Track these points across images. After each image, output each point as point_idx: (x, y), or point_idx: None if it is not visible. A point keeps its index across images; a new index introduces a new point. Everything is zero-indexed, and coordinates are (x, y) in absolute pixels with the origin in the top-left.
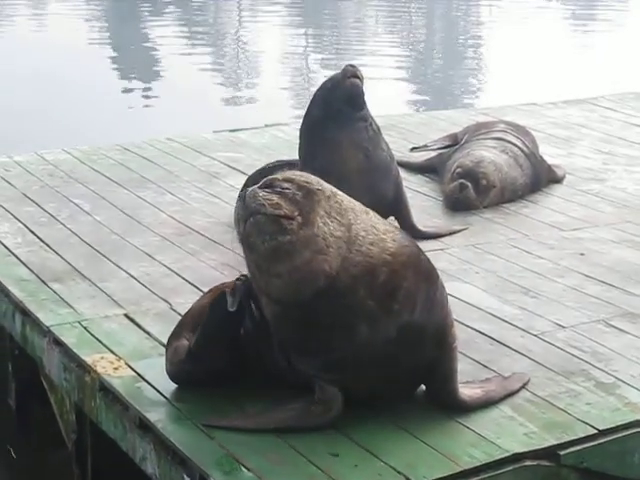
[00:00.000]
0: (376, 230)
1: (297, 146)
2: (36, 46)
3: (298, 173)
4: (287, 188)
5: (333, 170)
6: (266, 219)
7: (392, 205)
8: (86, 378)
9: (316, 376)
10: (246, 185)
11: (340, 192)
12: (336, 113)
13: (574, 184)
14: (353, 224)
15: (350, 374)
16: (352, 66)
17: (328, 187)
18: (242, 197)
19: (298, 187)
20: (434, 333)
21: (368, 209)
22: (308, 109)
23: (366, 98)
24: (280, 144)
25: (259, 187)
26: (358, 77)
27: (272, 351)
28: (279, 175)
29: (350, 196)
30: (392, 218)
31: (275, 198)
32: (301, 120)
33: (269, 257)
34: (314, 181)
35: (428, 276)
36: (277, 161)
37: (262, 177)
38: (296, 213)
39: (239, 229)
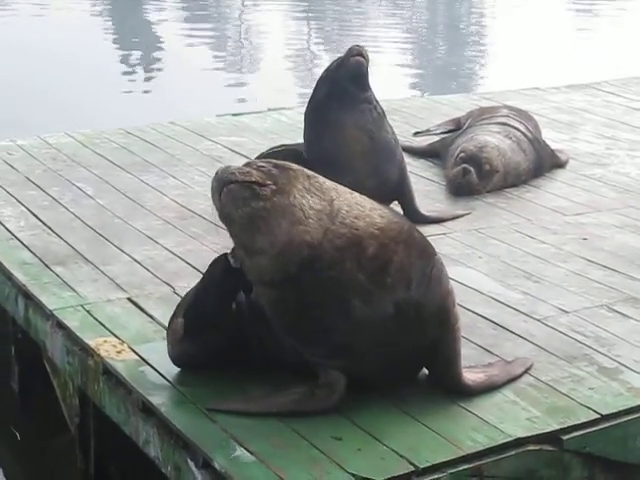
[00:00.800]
0: (361, 207)
1: (300, 130)
2: (37, 26)
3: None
4: (263, 166)
5: (337, 152)
6: (239, 186)
7: (396, 189)
8: (89, 362)
9: (320, 364)
10: None
11: (321, 176)
12: (341, 92)
13: (577, 169)
14: (335, 200)
15: (353, 358)
16: (358, 46)
17: (309, 171)
18: (216, 173)
19: (275, 165)
20: (435, 312)
21: (353, 191)
22: (314, 90)
23: (369, 82)
24: (283, 128)
25: None
26: (363, 56)
27: (272, 334)
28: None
29: (355, 179)
30: (395, 202)
31: (247, 169)
32: (304, 104)
33: (246, 227)
34: (293, 164)
35: (422, 251)
36: (280, 145)
37: None
38: (269, 182)
39: (216, 205)
